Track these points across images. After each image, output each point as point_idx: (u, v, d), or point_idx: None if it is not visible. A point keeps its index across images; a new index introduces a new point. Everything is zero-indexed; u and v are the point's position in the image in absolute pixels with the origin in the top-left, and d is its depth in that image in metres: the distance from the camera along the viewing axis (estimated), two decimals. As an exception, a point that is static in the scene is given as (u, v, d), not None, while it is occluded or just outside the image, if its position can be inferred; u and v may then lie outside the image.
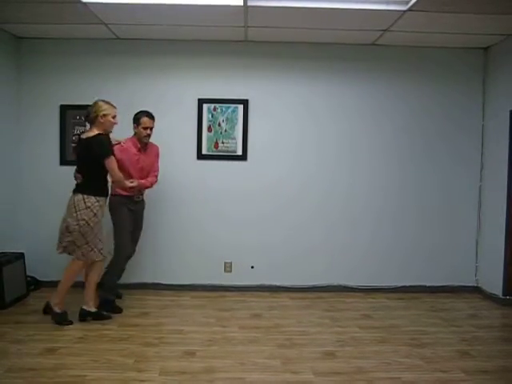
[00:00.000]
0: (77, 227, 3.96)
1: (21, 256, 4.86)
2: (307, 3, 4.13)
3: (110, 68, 5.17)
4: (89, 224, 3.97)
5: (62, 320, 4.07)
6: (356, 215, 5.34)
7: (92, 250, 4.04)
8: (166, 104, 5.11)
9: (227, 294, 5.15)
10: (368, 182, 5.32)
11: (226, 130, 5.25)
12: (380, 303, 4.95)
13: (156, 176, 4.68)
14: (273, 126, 5.28)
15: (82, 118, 5.10)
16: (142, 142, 4.56)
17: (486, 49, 5.26)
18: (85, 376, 3.14)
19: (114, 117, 4.10)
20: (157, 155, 4.73)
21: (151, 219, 5.01)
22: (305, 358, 3.52)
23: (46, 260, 5.13)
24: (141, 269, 5.11)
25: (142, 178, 4.51)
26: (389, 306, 4.89)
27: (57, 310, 4.10)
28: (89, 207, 3.97)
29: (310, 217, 5.31)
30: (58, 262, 5.16)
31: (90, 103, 5.14)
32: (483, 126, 5.32)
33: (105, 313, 4.26)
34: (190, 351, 3.60)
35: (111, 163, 4.00)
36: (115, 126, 4.18)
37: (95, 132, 4.02)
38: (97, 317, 4.19)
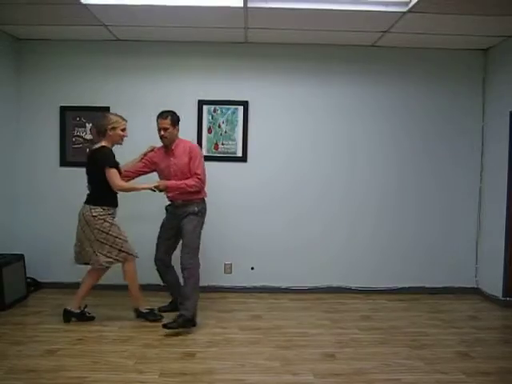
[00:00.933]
0: (93, 236, 4.03)
1: (21, 257, 4.85)
2: (307, 5, 4.14)
3: (109, 69, 5.18)
4: (102, 231, 4.03)
5: (153, 317, 4.23)
6: (356, 217, 5.33)
7: (120, 250, 4.09)
8: (166, 105, 5.06)
9: (227, 295, 5.15)
10: (368, 184, 5.31)
11: (226, 132, 5.25)
12: (380, 304, 4.95)
13: (197, 178, 4.19)
14: (273, 127, 5.28)
15: (82, 120, 5.16)
16: (165, 145, 4.32)
17: (485, 50, 5.26)
18: (85, 378, 3.14)
19: (123, 129, 4.13)
20: (188, 155, 4.22)
21: (151, 220, 5.00)
22: (305, 360, 3.52)
23: (45, 261, 5.14)
24: (141, 270, 5.09)
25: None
26: (389, 307, 4.88)
27: (143, 310, 4.24)
28: (95, 216, 4.01)
29: (310, 219, 5.31)
30: (57, 263, 5.19)
31: (90, 105, 5.19)
32: (483, 126, 5.32)
33: (88, 314, 4.26)
34: (190, 352, 3.60)
35: (111, 174, 3.99)
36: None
37: (101, 144, 4.07)
38: (80, 317, 4.21)
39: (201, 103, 5.20)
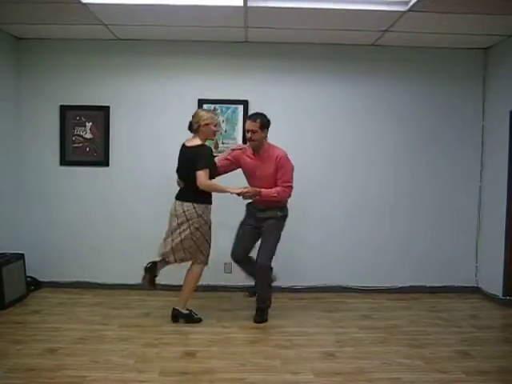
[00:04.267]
0: (189, 235, 4.07)
1: (21, 256, 4.85)
2: (307, 4, 4.13)
3: (109, 69, 5.17)
4: (199, 231, 4.09)
5: (191, 318, 4.22)
6: (355, 216, 5.33)
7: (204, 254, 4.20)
8: (166, 104, 5.12)
9: (227, 294, 5.15)
10: (366, 183, 5.31)
11: (226, 131, 5.25)
12: (380, 304, 4.95)
13: (288, 188, 4.21)
14: (273, 126, 5.25)
15: (82, 119, 5.15)
16: (253, 148, 4.29)
17: (486, 49, 5.26)
18: (85, 377, 3.14)
19: (215, 125, 4.16)
20: (275, 164, 4.18)
21: (151, 220, 5.00)
22: (305, 359, 3.53)
23: (45, 260, 5.14)
24: (141, 270, 5.09)
25: (262, 187, 4.19)
26: (389, 306, 4.88)
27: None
28: (200, 215, 4.06)
29: (309, 217, 5.30)
30: (57, 262, 5.19)
31: (90, 104, 5.18)
32: (483, 126, 5.32)
33: (195, 316, 4.27)
34: (190, 352, 3.61)
35: (201, 176, 3.96)
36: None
37: (199, 142, 4.06)
38: (187, 319, 4.22)
39: (201, 102, 5.19)
